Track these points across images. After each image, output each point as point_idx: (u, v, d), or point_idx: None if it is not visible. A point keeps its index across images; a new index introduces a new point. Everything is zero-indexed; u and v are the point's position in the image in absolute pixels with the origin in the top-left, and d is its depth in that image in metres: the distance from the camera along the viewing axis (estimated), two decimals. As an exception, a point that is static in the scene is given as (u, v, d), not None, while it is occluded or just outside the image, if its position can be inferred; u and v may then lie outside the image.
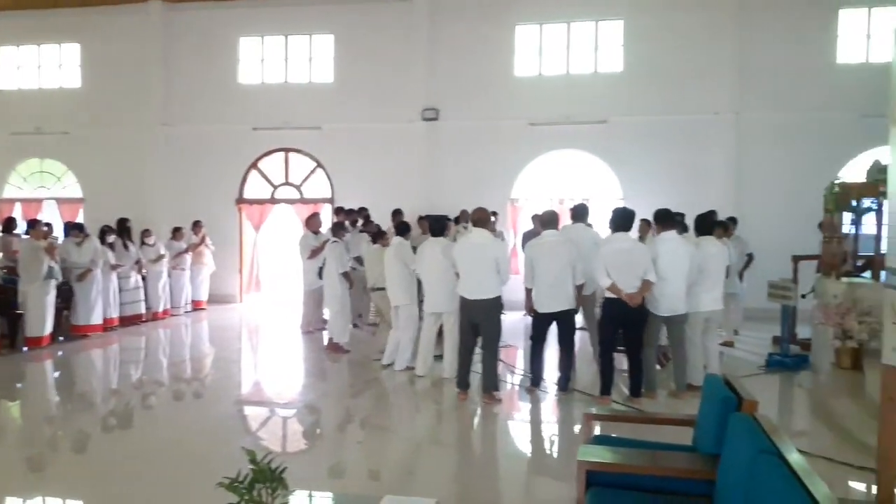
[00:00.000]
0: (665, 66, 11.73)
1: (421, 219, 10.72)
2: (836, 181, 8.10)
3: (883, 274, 4.47)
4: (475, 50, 12.35)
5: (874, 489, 3.96)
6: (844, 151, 10.99)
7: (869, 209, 7.83)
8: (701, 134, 11.64)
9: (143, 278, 10.89)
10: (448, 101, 12.44)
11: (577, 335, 6.81)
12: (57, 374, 8.24)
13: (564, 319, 6.55)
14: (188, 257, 11.76)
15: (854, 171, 10.15)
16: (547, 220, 6.76)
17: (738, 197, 11.28)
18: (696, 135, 11.65)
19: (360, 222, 10.73)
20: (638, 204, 8.08)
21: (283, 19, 13.08)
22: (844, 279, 7.51)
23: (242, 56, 13.39)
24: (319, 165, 13.16)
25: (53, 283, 8.86)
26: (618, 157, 11.97)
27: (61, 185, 14.16)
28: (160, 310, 11.18)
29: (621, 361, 6.82)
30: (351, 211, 11.06)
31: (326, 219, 11.49)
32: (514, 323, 10.03)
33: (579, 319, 7.20)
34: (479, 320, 6.37)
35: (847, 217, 8.09)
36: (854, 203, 7.79)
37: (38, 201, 14.04)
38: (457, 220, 10.66)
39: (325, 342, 9.04)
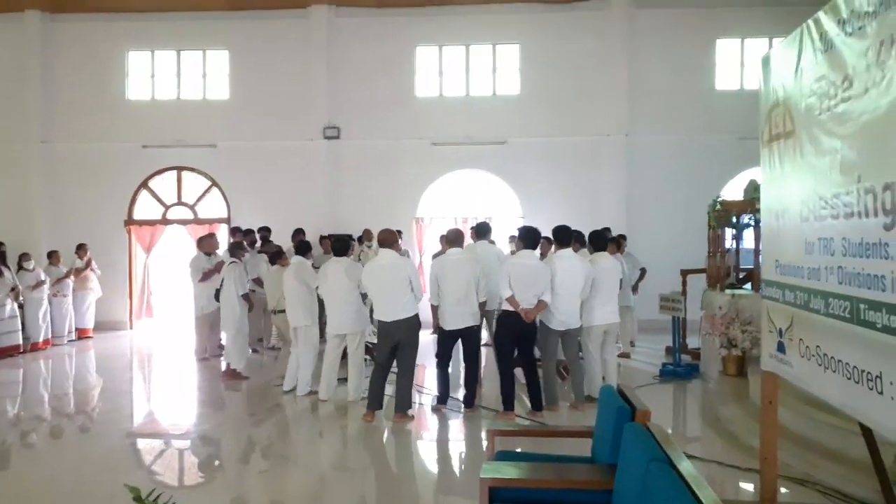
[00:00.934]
0: (560, 90, 12.20)
1: (323, 238, 10.54)
2: (718, 199, 8.64)
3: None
4: (376, 69, 12.37)
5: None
6: (725, 171, 11.77)
7: (748, 225, 8.36)
8: (594, 154, 12.15)
9: (20, 307, 10.12)
10: (350, 119, 12.37)
11: (483, 351, 6.85)
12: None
13: (469, 336, 6.61)
14: (70, 282, 11.01)
15: (734, 190, 10.89)
16: (452, 239, 6.82)
17: (630, 214, 11.82)
18: (590, 155, 12.15)
19: (258, 243, 10.42)
20: (537, 221, 8.28)
21: (175, 33, 12.61)
22: (728, 291, 7.99)
23: (131, 71, 12.80)
24: (215, 184, 12.72)
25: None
26: (517, 176, 12.30)
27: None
28: (40, 340, 10.41)
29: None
30: (249, 231, 10.71)
31: (223, 240, 11.10)
32: (423, 341, 9.96)
33: (484, 335, 7.26)
34: (401, 340, 6.32)
35: (729, 233, 8.62)
36: (734, 219, 8.31)
37: None
38: (360, 240, 10.56)
39: (223, 368, 8.66)
